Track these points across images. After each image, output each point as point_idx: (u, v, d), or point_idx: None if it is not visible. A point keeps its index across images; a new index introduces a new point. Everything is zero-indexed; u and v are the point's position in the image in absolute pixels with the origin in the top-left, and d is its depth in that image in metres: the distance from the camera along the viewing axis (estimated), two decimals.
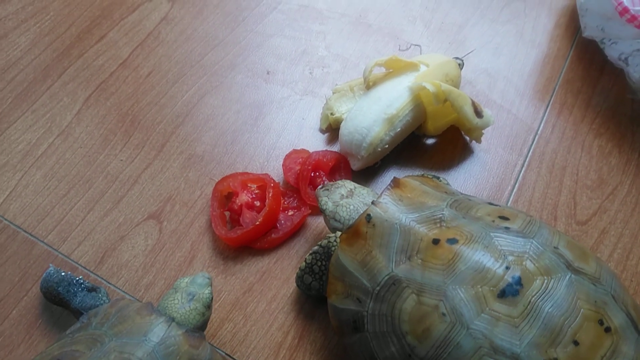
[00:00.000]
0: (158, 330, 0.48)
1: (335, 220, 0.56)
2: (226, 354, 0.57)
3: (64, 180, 0.66)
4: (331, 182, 0.59)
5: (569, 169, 0.69)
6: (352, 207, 0.56)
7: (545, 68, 0.77)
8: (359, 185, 0.58)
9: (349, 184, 0.58)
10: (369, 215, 0.52)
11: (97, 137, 0.69)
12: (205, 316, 0.52)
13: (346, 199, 0.56)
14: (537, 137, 0.71)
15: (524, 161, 0.69)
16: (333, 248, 0.55)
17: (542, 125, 0.72)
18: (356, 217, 0.55)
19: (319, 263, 0.57)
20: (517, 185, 0.68)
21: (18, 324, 0.58)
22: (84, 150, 0.68)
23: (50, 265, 0.57)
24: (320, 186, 0.59)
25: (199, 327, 0.52)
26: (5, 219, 0.63)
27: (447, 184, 0.62)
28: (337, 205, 0.56)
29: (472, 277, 0.45)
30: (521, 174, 0.68)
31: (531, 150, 0.70)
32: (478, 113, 0.64)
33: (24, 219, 0.63)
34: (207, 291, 0.52)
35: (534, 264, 0.45)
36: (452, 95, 0.61)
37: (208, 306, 0.52)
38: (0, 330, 0.57)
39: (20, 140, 0.69)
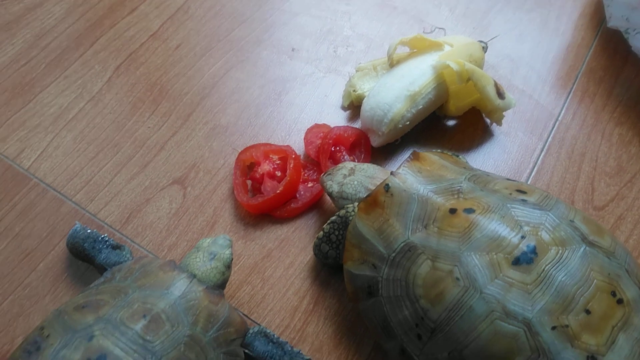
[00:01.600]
0: (180, 285, 0.50)
1: (343, 198, 0.58)
2: (244, 314, 0.58)
3: (93, 144, 0.68)
4: (333, 167, 0.61)
5: (588, 155, 0.69)
6: (356, 182, 0.57)
7: (568, 56, 0.78)
8: (359, 163, 0.60)
9: (348, 164, 0.60)
10: (387, 184, 0.53)
11: (126, 104, 0.71)
12: (225, 275, 0.54)
13: (349, 177, 0.58)
14: (557, 123, 0.72)
15: (544, 146, 0.70)
16: (351, 218, 0.57)
17: (563, 111, 0.73)
18: (362, 190, 0.56)
19: (337, 232, 0.58)
20: (535, 169, 0.68)
21: (45, 276, 0.60)
22: (113, 116, 0.70)
23: (77, 222, 0.59)
24: (322, 174, 0.61)
25: (218, 286, 0.53)
26: (36, 177, 0.66)
27: (466, 162, 0.62)
28: (342, 185, 0.58)
29: (487, 245, 0.46)
30: (540, 158, 0.69)
31: (551, 136, 0.71)
32: (500, 94, 0.64)
33: (53, 178, 0.66)
34: (227, 252, 0.54)
35: (550, 235, 0.46)
36: (476, 75, 0.62)
37: (228, 266, 0.54)
38: (27, 282, 0.60)
39: (53, 103, 0.71)
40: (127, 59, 0.75)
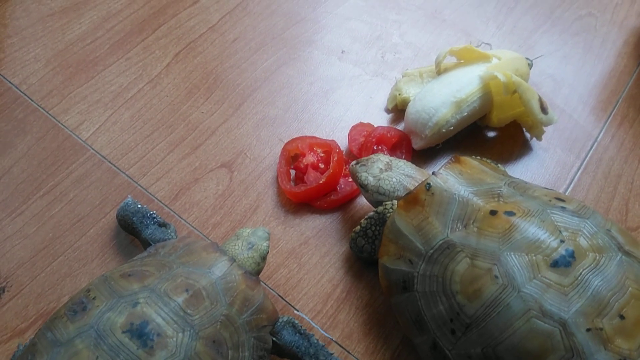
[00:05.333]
0: (221, 266, 0.52)
1: (380, 193, 0.59)
2: (279, 295, 0.61)
3: (149, 123, 0.72)
4: (365, 157, 0.61)
5: (624, 178, 0.71)
6: (394, 179, 0.58)
7: (610, 81, 0.79)
8: (394, 158, 0.61)
9: (383, 157, 0.60)
10: (429, 184, 0.55)
11: (182, 89, 0.75)
12: (260, 266, 0.56)
13: (386, 172, 0.59)
14: (595, 143, 0.73)
15: (581, 164, 0.72)
16: (388, 214, 0.58)
17: (602, 133, 0.74)
18: (400, 189, 0.58)
19: (373, 228, 0.60)
20: (572, 186, 0.70)
21: (94, 241, 0.63)
22: (169, 99, 0.74)
23: (129, 196, 0.63)
24: (353, 162, 0.61)
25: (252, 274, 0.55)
26: (93, 148, 0.70)
27: (504, 170, 0.64)
28: (379, 179, 0.59)
29: (527, 246, 0.48)
30: (577, 176, 0.71)
31: (589, 155, 0.72)
32: (544, 109, 0.66)
33: (109, 151, 0.69)
34: (265, 244, 0.56)
35: (587, 242, 0.48)
36: (522, 88, 0.64)
37: (263, 258, 0.56)
38: (77, 245, 0.63)
39: (114, 82, 0.75)
40: (186, 47, 0.79)
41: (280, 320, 0.54)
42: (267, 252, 0.56)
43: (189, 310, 0.48)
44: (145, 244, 0.59)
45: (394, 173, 0.59)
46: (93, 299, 0.48)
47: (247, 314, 0.51)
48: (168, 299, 0.48)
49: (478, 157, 0.64)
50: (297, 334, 0.54)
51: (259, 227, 0.58)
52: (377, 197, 0.59)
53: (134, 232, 0.60)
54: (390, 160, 0.60)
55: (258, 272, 0.56)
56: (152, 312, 0.47)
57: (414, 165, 0.61)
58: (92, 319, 0.46)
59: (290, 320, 0.55)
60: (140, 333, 0.45)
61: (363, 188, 0.60)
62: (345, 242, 0.64)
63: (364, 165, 0.60)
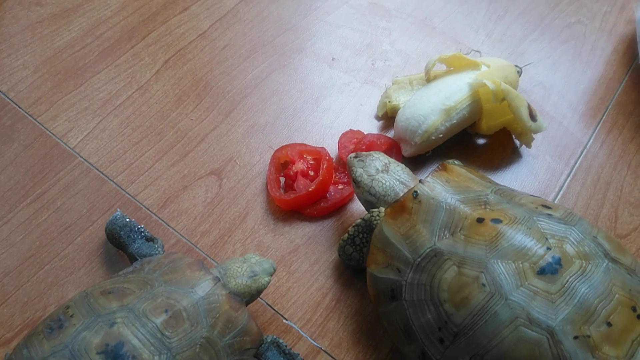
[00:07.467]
0: (205, 286, 0.50)
1: (370, 194, 0.58)
2: (267, 304, 0.60)
3: (138, 130, 0.72)
4: (365, 152, 0.60)
5: (613, 185, 0.71)
6: (387, 183, 0.58)
7: (599, 88, 0.80)
8: (393, 160, 0.60)
9: (383, 157, 0.60)
10: (416, 192, 0.55)
11: (171, 96, 0.75)
12: (253, 298, 0.54)
13: (381, 173, 0.58)
14: (585, 150, 0.74)
15: (570, 171, 0.72)
16: (375, 222, 0.58)
17: (591, 140, 0.75)
18: (391, 194, 0.57)
19: (361, 235, 0.60)
20: (561, 193, 0.70)
21: (81, 250, 0.63)
22: (158, 106, 0.74)
23: (118, 210, 0.62)
24: (352, 155, 0.61)
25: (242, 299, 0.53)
26: (81, 156, 0.69)
27: (490, 179, 0.64)
28: (373, 180, 0.58)
29: (513, 254, 0.48)
30: (566, 183, 0.71)
31: (578, 162, 0.72)
32: (533, 117, 0.67)
33: (97, 158, 0.69)
34: (266, 279, 0.54)
35: (574, 249, 0.48)
36: (511, 95, 0.64)
37: (259, 291, 0.54)
38: (64, 253, 0.62)
39: (102, 89, 0.75)
40: (175, 54, 0.79)
41: (265, 341, 0.53)
42: (265, 288, 0.54)
43: (167, 332, 0.46)
44: (132, 258, 0.58)
45: (389, 176, 0.58)
46: (71, 316, 0.47)
47: (230, 336, 0.49)
48: (146, 319, 0.46)
49: (463, 165, 0.64)
50: (282, 355, 0.53)
51: (268, 259, 0.56)
52: (367, 196, 0.58)
53: (121, 247, 0.59)
54: (389, 163, 0.59)
55: (249, 302, 0.54)
56: (128, 333, 0.45)
57: (411, 172, 0.60)
58: (68, 337, 0.45)
59: (275, 340, 0.54)
60: (115, 355, 0.44)
61: (356, 184, 0.59)
62: (335, 250, 0.64)
63: (362, 160, 0.60)
